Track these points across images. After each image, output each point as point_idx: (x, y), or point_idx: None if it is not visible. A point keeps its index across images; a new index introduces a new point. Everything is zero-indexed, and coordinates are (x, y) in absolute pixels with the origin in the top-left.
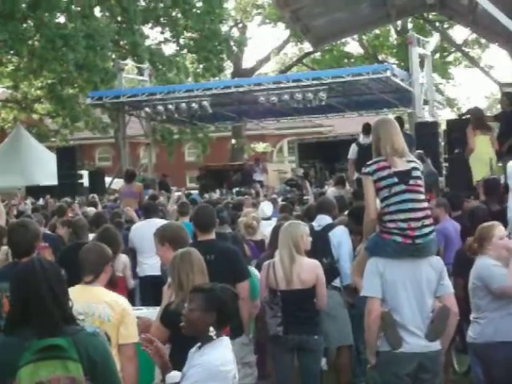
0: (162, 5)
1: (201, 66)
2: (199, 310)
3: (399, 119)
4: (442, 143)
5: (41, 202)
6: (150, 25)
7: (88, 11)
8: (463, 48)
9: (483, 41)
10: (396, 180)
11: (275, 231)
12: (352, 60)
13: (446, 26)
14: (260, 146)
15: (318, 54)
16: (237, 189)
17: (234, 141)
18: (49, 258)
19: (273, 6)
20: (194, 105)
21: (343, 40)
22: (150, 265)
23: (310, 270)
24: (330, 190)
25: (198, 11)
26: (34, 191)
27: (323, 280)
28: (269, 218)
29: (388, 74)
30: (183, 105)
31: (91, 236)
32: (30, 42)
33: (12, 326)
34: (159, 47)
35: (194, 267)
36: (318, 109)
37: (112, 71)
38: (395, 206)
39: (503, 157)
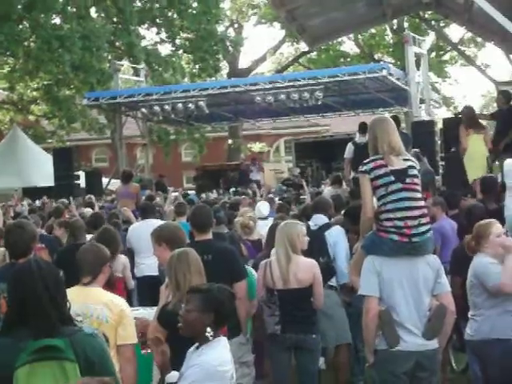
0: (157, 5)
1: (197, 66)
2: (196, 311)
3: (395, 118)
4: (439, 142)
5: (37, 203)
6: (146, 25)
7: (84, 12)
8: (459, 47)
9: (479, 39)
10: (393, 178)
11: (272, 231)
12: (348, 59)
13: (441, 24)
14: (256, 146)
15: (314, 53)
16: (234, 189)
17: (230, 141)
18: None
19: (268, 6)
20: (190, 105)
21: (339, 39)
22: (148, 265)
23: (306, 269)
24: (327, 190)
25: (194, 11)
26: (31, 192)
27: (320, 279)
28: (266, 218)
29: (384, 73)
30: (179, 105)
31: (88, 237)
32: (25, 44)
33: (9, 326)
34: (155, 48)
35: (191, 267)
36: (315, 108)
37: (108, 72)
38: (392, 205)
39: (500, 155)
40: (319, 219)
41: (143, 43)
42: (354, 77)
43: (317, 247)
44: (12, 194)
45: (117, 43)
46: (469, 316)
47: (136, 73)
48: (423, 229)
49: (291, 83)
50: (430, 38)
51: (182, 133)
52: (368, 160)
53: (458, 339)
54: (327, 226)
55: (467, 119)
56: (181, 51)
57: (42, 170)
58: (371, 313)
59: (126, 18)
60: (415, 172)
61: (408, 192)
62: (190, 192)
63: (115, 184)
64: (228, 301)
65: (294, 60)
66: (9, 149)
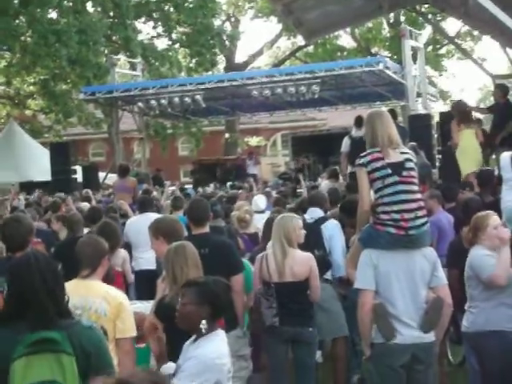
0: None
1: (193, 60)
2: (192, 304)
3: (392, 112)
4: (435, 135)
5: (33, 197)
6: (143, 19)
7: (80, 6)
8: (456, 40)
9: (476, 33)
10: (389, 171)
11: (268, 224)
12: (345, 53)
13: (438, 18)
14: (253, 140)
15: (311, 47)
16: (230, 183)
17: (227, 135)
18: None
19: (265, 0)
20: (187, 99)
21: (336, 33)
22: (146, 259)
23: (302, 262)
24: (324, 183)
25: (191, 5)
26: (28, 187)
27: (316, 272)
28: (262, 212)
29: (381, 66)
30: (176, 99)
31: (86, 231)
32: (22, 38)
33: (6, 319)
34: (152, 42)
35: (188, 260)
36: (311, 102)
37: (105, 66)
38: (388, 198)
39: (497, 148)
40: (315, 212)
41: (140, 37)
42: (351, 70)
43: (313, 240)
44: (9, 189)
45: (113, 37)
46: (465, 308)
47: (132, 67)
48: (420, 222)
49: (288, 77)
50: (427, 32)
51: (178, 127)
52: (365, 153)
53: (455, 332)
54: (323, 220)
55: (458, 114)
56: (177, 45)
57: (38, 164)
58: (366, 307)
59: (123, 12)
60: (412, 165)
61: (405, 185)
62: (186, 186)
63: (112, 178)
64: (224, 293)
65: (291, 54)
66: (5, 143)
